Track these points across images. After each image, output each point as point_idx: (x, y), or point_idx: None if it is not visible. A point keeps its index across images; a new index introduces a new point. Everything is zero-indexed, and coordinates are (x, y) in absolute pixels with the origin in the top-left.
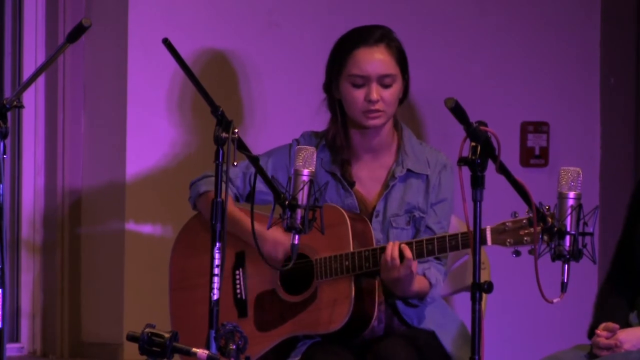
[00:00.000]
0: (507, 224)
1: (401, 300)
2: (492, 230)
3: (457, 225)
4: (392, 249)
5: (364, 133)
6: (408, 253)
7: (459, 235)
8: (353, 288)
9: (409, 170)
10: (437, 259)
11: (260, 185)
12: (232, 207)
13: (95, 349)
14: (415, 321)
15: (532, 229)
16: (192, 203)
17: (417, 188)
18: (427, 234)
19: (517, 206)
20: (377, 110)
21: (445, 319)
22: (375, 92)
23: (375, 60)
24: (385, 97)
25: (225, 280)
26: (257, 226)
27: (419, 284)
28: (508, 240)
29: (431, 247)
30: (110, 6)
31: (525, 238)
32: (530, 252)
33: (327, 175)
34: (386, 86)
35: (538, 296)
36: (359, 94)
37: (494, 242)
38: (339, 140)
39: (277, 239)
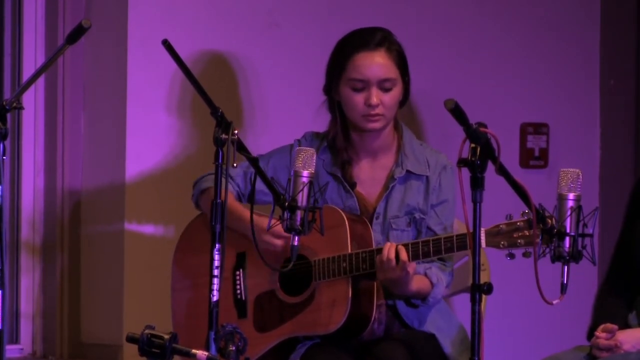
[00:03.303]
0: (501, 226)
1: (403, 301)
2: (487, 233)
3: (456, 226)
4: (388, 250)
5: (364, 135)
6: (404, 255)
7: (454, 237)
8: (350, 289)
9: (408, 171)
10: (441, 260)
11: (261, 185)
12: (233, 203)
13: (95, 350)
14: (416, 323)
15: (526, 232)
16: (194, 201)
17: (417, 189)
18: (428, 235)
19: (516, 207)
20: (377, 114)
21: (446, 323)
22: (376, 96)
23: (375, 64)
24: (385, 101)
25: (225, 280)
26: (256, 220)
27: (417, 283)
28: (502, 242)
29: (426, 249)
30: (110, 7)
31: (519, 241)
32: (524, 255)
33: (328, 176)
34: (386, 90)
35: (538, 297)
36: (359, 98)
37: (488, 244)
38: (339, 142)
39: (277, 232)
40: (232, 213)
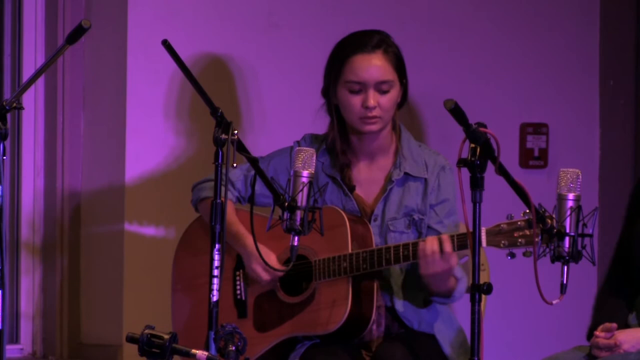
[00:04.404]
0: (502, 225)
1: (407, 301)
2: (487, 232)
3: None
4: (431, 243)
5: (362, 137)
6: (448, 246)
7: (455, 237)
8: (350, 289)
9: (406, 173)
10: None
11: (261, 188)
12: (231, 218)
13: (95, 351)
14: (415, 325)
15: (526, 231)
16: (194, 206)
17: (415, 191)
18: (430, 234)
19: (516, 207)
20: (374, 117)
21: (446, 325)
22: (372, 98)
23: (372, 66)
24: (382, 103)
25: (225, 281)
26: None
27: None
28: (502, 242)
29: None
30: (110, 7)
31: (520, 240)
32: (525, 254)
33: (327, 179)
34: (383, 92)
35: (537, 297)
36: (356, 100)
37: (488, 243)
38: (338, 145)
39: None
40: (229, 230)
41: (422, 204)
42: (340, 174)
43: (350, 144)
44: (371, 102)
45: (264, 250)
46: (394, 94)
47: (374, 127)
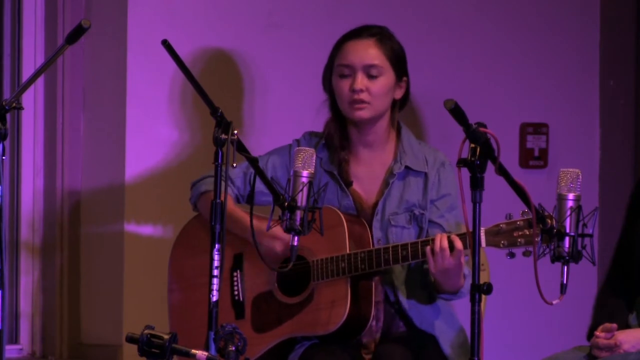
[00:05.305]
0: (501, 225)
1: (410, 298)
2: (487, 232)
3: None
4: (440, 240)
5: (360, 129)
6: (459, 244)
7: (465, 236)
8: (349, 289)
9: (407, 167)
10: None
11: (261, 186)
12: (232, 206)
13: (95, 351)
14: (417, 322)
15: (526, 231)
16: (192, 203)
17: (415, 186)
18: (433, 228)
19: (516, 207)
20: (362, 101)
21: (447, 324)
22: (360, 81)
23: (361, 51)
24: (370, 88)
25: (223, 282)
26: (256, 224)
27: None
28: (502, 242)
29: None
30: (110, 7)
31: (519, 240)
32: (524, 254)
33: (325, 175)
34: (372, 77)
35: (538, 297)
36: (345, 84)
37: (488, 243)
38: (337, 140)
39: (276, 234)
40: (231, 216)
41: (422, 199)
42: (338, 170)
43: (349, 137)
44: (358, 84)
45: (277, 229)
46: (384, 81)
47: (363, 113)
